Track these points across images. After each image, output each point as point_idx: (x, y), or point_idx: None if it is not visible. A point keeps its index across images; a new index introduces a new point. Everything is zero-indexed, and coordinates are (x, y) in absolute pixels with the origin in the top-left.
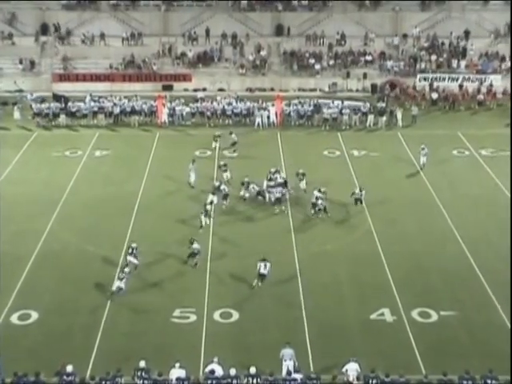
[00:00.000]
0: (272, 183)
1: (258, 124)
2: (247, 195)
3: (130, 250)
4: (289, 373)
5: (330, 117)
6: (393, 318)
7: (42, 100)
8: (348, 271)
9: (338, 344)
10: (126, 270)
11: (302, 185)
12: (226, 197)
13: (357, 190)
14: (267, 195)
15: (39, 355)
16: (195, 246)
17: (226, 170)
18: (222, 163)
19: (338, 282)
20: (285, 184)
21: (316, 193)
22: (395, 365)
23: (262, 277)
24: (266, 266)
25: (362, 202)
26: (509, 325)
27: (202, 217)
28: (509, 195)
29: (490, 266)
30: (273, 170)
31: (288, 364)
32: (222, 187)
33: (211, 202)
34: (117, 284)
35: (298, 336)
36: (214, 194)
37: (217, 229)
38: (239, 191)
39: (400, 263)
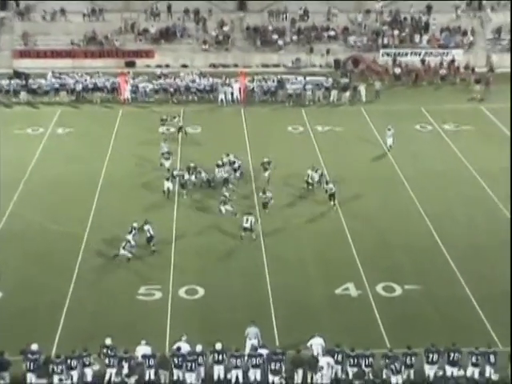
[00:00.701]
0: (220, 163)
1: (222, 100)
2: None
3: (130, 229)
4: (255, 348)
5: (294, 92)
6: (358, 293)
7: None
8: (313, 247)
9: (303, 319)
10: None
11: (267, 174)
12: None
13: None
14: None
15: (3, 334)
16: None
17: (168, 158)
18: (166, 151)
19: (303, 257)
20: (233, 164)
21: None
22: (360, 339)
23: (245, 230)
24: (247, 220)
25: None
26: (472, 298)
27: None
28: (472, 169)
29: (454, 240)
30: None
31: (253, 342)
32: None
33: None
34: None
35: (263, 312)
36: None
37: (182, 207)
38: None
39: (365, 239)
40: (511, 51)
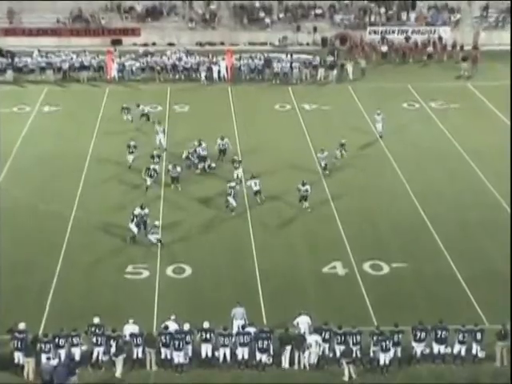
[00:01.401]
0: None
1: (206, 78)
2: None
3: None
4: (242, 326)
5: (281, 71)
6: (345, 271)
7: None
8: (300, 226)
9: (290, 298)
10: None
11: (238, 173)
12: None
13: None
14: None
15: None
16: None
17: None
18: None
19: (290, 236)
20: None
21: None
22: (348, 317)
23: (257, 193)
24: (256, 183)
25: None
26: (459, 275)
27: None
28: (459, 147)
29: (440, 218)
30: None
31: (239, 323)
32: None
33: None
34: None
35: (250, 290)
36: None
37: (168, 186)
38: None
39: (351, 217)
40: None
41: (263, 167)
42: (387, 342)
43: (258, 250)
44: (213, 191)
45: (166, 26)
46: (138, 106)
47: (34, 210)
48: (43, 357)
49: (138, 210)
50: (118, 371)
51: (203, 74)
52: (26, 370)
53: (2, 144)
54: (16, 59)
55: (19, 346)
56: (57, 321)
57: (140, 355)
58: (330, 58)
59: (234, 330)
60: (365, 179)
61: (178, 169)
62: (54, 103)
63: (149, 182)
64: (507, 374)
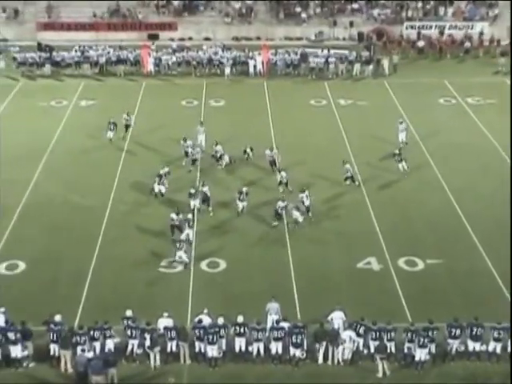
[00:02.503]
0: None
1: (227, 75)
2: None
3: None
4: (276, 321)
5: (317, 66)
6: (379, 267)
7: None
8: (335, 221)
9: (325, 293)
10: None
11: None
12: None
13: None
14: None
15: (27, 305)
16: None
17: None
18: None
19: (325, 231)
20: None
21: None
22: (382, 313)
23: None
24: (307, 196)
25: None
26: (495, 272)
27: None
28: (496, 143)
29: (476, 213)
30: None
31: (273, 318)
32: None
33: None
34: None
35: (285, 285)
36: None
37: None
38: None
39: (386, 212)
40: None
41: (297, 162)
42: (422, 339)
43: (293, 245)
44: (246, 184)
45: (203, 20)
46: (128, 114)
47: (70, 203)
48: (78, 349)
49: (173, 216)
50: (153, 363)
51: (227, 70)
52: (62, 362)
53: (40, 137)
54: (54, 53)
55: (55, 337)
56: (92, 313)
57: (174, 349)
58: (366, 53)
59: (269, 325)
60: (400, 174)
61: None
62: (91, 97)
63: (157, 189)
64: None
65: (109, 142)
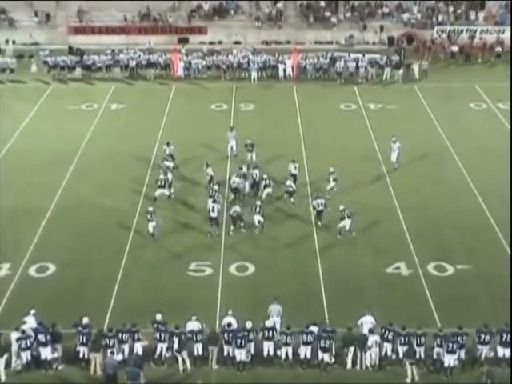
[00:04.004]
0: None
1: (254, 79)
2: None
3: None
4: (306, 325)
5: (346, 70)
6: (409, 272)
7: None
8: (364, 224)
9: (353, 297)
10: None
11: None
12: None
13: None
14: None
15: (56, 307)
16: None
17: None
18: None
19: (354, 235)
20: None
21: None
22: (411, 318)
23: (293, 177)
24: (295, 167)
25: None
26: None
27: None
28: None
29: (505, 218)
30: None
31: (275, 320)
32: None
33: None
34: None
35: (313, 289)
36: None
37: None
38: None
39: (416, 216)
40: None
41: (327, 166)
42: (451, 344)
43: (322, 250)
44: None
45: (233, 24)
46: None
47: (99, 207)
48: (107, 351)
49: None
50: (182, 366)
51: (253, 74)
52: (92, 365)
53: (70, 141)
54: (85, 57)
55: (84, 340)
56: (121, 316)
57: (200, 352)
58: (396, 58)
59: (270, 325)
60: (430, 178)
61: (238, 208)
62: (121, 100)
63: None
64: None
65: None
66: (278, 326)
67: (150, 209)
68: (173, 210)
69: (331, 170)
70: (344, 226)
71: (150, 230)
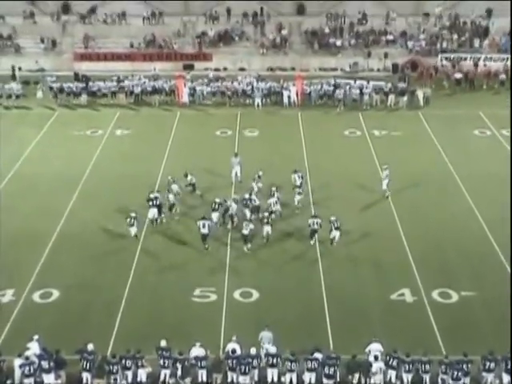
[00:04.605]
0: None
1: (258, 104)
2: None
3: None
4: (310, 352)
5: (351, 97)
6: (413, 299)
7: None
8: (368, 250)
9: (358, 324)
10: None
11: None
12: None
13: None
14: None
15: (60, 333)
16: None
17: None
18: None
19: (358, 261)
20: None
21: None
22: (415, 345)
23: (314, 232)
24: (316, 223)
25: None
26: None
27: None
28: None
29: (509, 244)
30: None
31: (267, 347)
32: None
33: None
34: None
35: (317, 315)
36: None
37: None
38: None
39: (420, 243)
40: (511, 47)
41: (332, 192)
42: (456, 372)
43: (326, 276)
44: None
45: (238, 51)
46: (186, 175)
47: (104, 232)
48: (111, 378)
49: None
50: None
51: (257, 100)
52: None
53: (75, 166)
54: (90, 83)
55: (88, 366)
56: (124, 342)
57: (204, 378)
58: (400, 85)
59: (262, 353)
60: (434, 205)
61: (251, 226)
62: (126, 126)
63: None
64: None
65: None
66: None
67: (133, 214)
68: (177, 234)
69: (332, 218)
70: (334, 236)
71: (132, 233)
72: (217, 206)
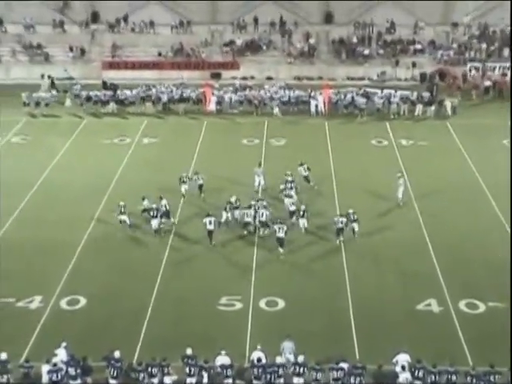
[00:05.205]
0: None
1: (276, 114)
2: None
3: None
4: (336, 362)
5: (378, 106)
6: (440, 309)
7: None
8: (395, 261)
9: (384, 333)
10: None
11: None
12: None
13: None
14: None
15: (86, 340)
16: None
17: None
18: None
19: (384, 271)
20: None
21: None
22: (442, 356)
23: (341, 231)
24: (342, 222)
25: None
26: None
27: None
28: None
29: None
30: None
31: (288, 357)
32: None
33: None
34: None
35: (343, 325)
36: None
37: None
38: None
39: (447, 253)
40: (511, 51)
41: (359, 202)
42: (483, 383)
43: (351, 285)
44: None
45: (265, 59)
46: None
47: (131, 240)
48: None
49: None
50: None
51: (276, 110)
52: None
53: (102, 174)
54: (118, 91)
55: (115, 374)
56: (150, 349)
57: None
58: (428, 94)
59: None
60: (461, 215)
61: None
62: (153, 135)
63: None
64: None
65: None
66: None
67: (122, 203)
68: (203, 241)
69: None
70: (353, 228)
71: (128, 221)
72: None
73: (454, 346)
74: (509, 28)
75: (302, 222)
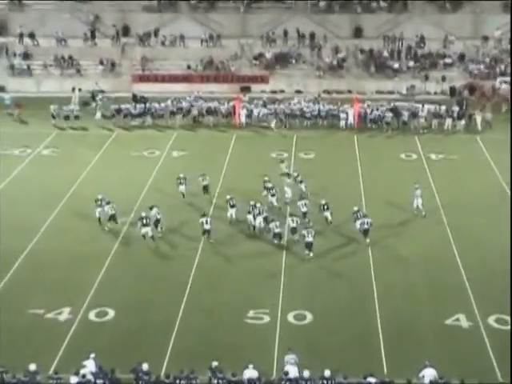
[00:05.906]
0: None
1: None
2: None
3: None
4: (364, 377)
5: (408, 120)
6: (468, 324)
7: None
8: (423, 275)
9: (412, 348)
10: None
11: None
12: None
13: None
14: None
15: (115, 352)
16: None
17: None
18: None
19: (413, 285)
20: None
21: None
22: (470, 372)
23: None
24: (366, 222)
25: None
26: None
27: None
28: None
29: None
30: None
31: (290, 369)
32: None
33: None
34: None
35: (371, 339)
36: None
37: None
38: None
39: (476, 267)
40: (511, 56)
41: (388, 216)
42: None
43: (380, 299)
44: (333, 236)
45: (294, 73)
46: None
47: (160, 252)
48: None
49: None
50: None
51: (272, 124)
52: None
53: (132, 187)
54: (148, 104)
55: None
56: (178, 362)
57: None
58: (457, 108)
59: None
60: (491, 229)
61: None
62: (183, 147)
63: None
64: None
65: (197, 194)
66: (293, 375)
67: (99, 196)
68: (231, 253)
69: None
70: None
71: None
72: (251, 208)
73: (482, 362)
74: None
75: (326, 215)
